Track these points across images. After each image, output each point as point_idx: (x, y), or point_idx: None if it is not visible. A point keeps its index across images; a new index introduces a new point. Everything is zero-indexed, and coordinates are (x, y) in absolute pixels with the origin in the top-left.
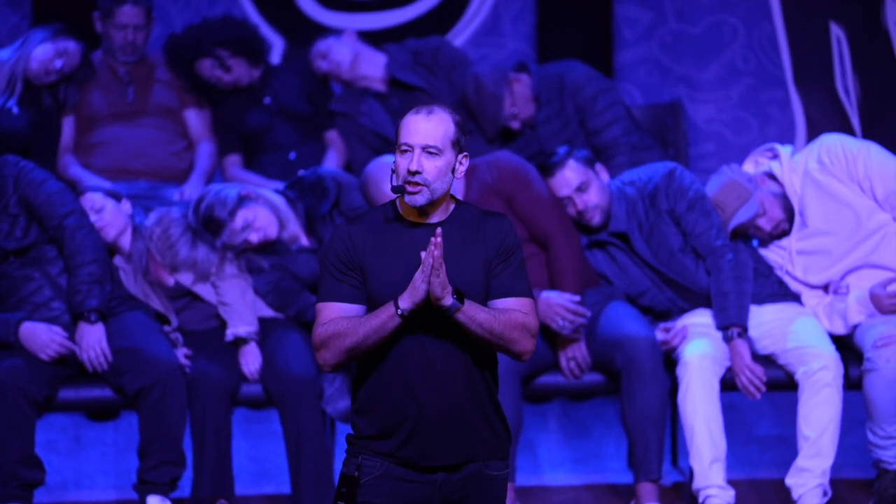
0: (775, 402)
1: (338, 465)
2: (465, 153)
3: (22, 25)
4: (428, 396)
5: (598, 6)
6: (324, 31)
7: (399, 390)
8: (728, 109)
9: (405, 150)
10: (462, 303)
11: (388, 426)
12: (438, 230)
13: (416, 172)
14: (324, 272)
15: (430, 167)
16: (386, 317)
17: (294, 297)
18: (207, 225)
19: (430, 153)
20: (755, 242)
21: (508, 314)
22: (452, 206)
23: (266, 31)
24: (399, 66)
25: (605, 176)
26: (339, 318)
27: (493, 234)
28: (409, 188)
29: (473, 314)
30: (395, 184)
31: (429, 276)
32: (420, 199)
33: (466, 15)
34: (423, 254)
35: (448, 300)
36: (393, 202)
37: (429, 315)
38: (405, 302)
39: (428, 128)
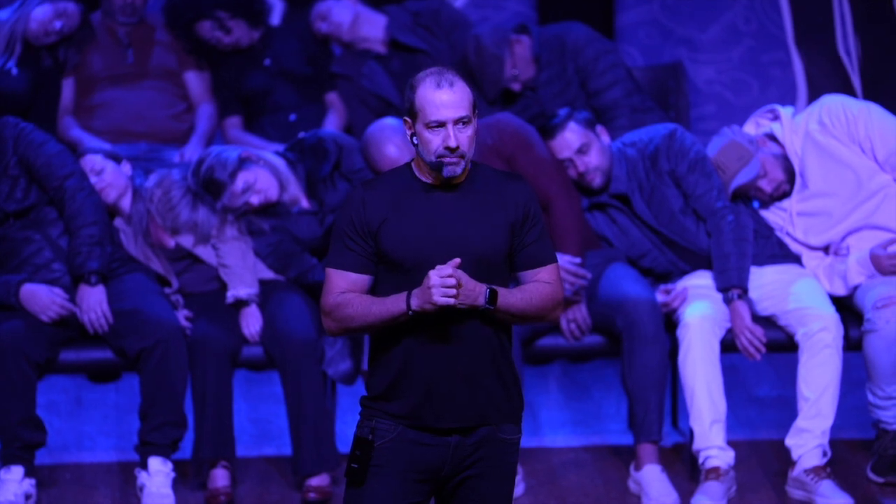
0: (775, 363)
1: (338, 427)
2: (477, 110)
3: None
4: (443, 358)
5: None
6: None
7: (414, 352)
8: (729, 71)
9: (436, 127)
10: (495, 303)
11: (403, 388)
12: (451, 265)
13: (457, 148)
14: (335, 235)
15: (464, 138)
16: (397, 312)
17: (295, 259)
18: (208, 187)
19: (463, 123)
20: (756, 204)
21: (539, 290)
22: (469, 167)
23: None
24: (399, 27)
25: (605, 137)
26: (353, 294)
27: (518, 198)
28: (448, 160)
29: (507, 306)
30: (429, 159)
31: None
32: (459, 170)
33: None
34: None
35: (481, 302)
36: (409, 164)
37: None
38: (416, 301)
39: (455, 100)
